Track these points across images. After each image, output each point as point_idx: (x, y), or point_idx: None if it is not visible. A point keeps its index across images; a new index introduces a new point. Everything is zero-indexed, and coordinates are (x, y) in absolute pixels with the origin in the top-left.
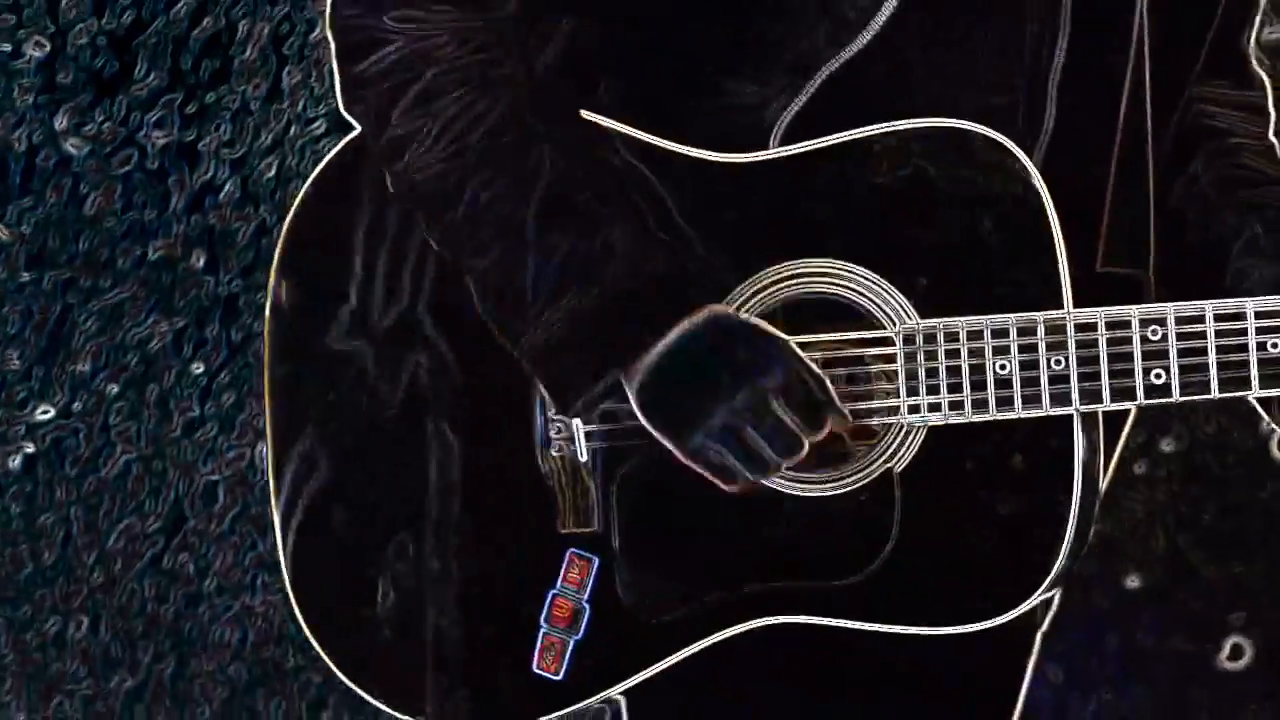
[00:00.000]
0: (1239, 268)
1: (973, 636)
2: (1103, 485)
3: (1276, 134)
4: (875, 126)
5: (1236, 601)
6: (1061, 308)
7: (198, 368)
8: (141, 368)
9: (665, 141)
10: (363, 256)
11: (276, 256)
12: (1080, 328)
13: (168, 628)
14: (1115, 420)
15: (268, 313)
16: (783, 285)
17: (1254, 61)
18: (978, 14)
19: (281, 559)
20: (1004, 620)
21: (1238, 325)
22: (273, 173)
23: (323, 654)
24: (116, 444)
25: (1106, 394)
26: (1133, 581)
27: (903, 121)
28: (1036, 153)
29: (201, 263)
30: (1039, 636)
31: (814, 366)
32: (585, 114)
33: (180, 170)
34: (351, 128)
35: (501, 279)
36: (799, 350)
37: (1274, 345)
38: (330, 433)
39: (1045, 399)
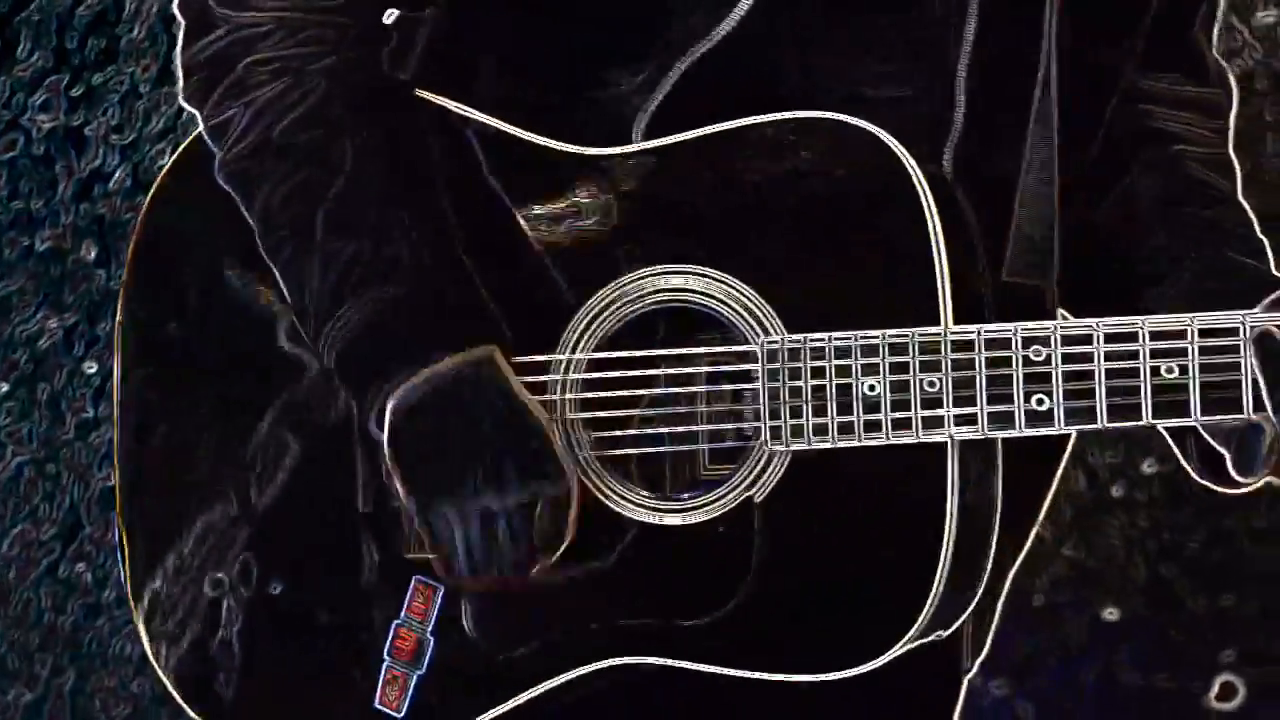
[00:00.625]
0: (1159, 291)
1: (888, 681)
2: (1036, 515)
3: (1236, 147)
4: (747, 119)
5: (1227, 636)
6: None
7: (90, 366)
8: (31, 366)
9: (520, 131)
10: (219, 251)
11: (130, 252)
12: (957, 346)
13: (66, 639)
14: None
15: (119, 313)
16: (645, 294)
17: (1214, 55)
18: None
19: (125, 575)
20: (867, 669)
21: (1130, 347)
22: (165, 160)
23: (164, 678)
24: (7, 445)
25: (983, 420)
26: (1111, 614)
27: (781, 114)
28: (946, 152)
29: (92, 255)
30: (965, 680)
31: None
32: (448, 103)
33: (67, 156)
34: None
35: (293, 281)
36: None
37: (1169, 370)
38: (179, 444)
39: (916, 424)
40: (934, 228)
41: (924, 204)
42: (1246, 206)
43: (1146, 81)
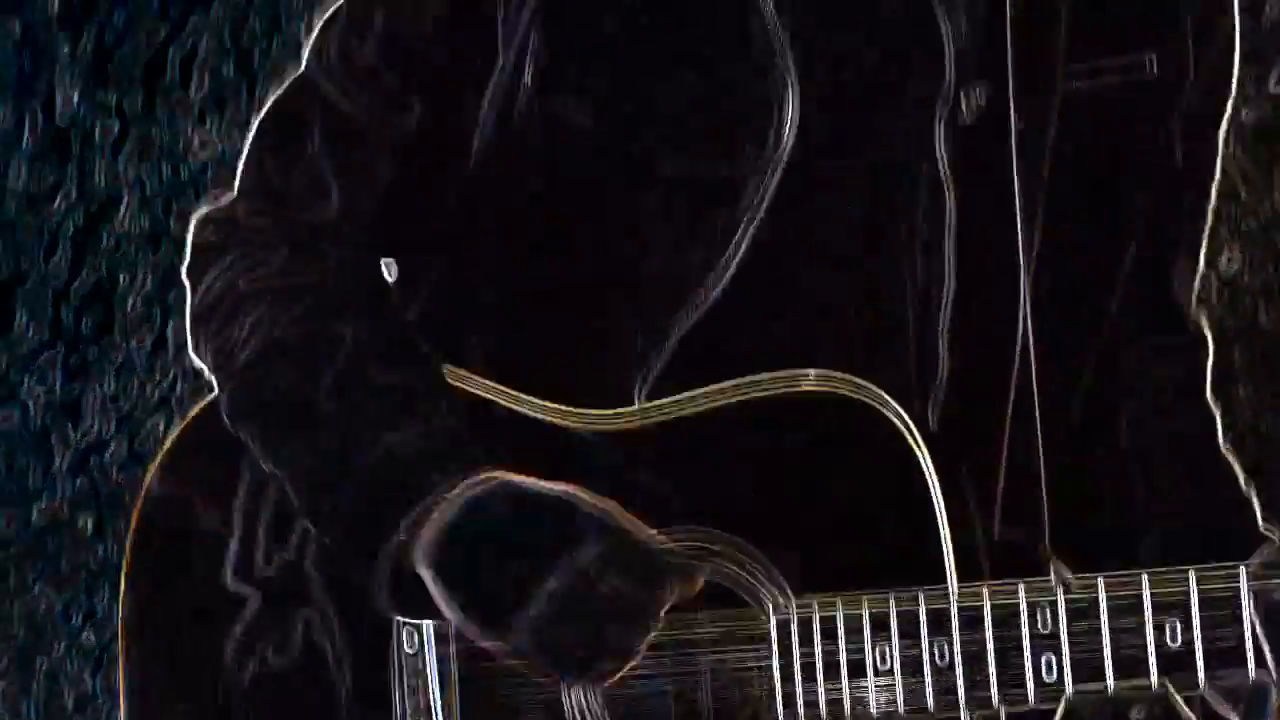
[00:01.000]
0: (1150, 541)
1: None
2: None
3: (1214, 392)
4: (742, 380)
5: None
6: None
7: (88, 638)
8: (31, 638)
9: (528, 398)
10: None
11: (131, 533)
12: (964, 609)
13: None
14: None
15: (123, 582)
16: None
17: (1187, 306)
18: (849, 260)
19: None
20: None
21: (1131, 597)
22: (160, 429)
23: None
24: (4, 718)
25: (994, 684)
26: None
27: (777, 373)
28: (932, 408)
29: (89, 527)
30: None
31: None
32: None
33: (63, 428)
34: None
35: (299, 470)
36: (615, 516)
37: (1173, 633)
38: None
39: (929, 697)
40: (934, 490)
41: (925, 465)
42: (1231, 457)
43: (1129, 339)
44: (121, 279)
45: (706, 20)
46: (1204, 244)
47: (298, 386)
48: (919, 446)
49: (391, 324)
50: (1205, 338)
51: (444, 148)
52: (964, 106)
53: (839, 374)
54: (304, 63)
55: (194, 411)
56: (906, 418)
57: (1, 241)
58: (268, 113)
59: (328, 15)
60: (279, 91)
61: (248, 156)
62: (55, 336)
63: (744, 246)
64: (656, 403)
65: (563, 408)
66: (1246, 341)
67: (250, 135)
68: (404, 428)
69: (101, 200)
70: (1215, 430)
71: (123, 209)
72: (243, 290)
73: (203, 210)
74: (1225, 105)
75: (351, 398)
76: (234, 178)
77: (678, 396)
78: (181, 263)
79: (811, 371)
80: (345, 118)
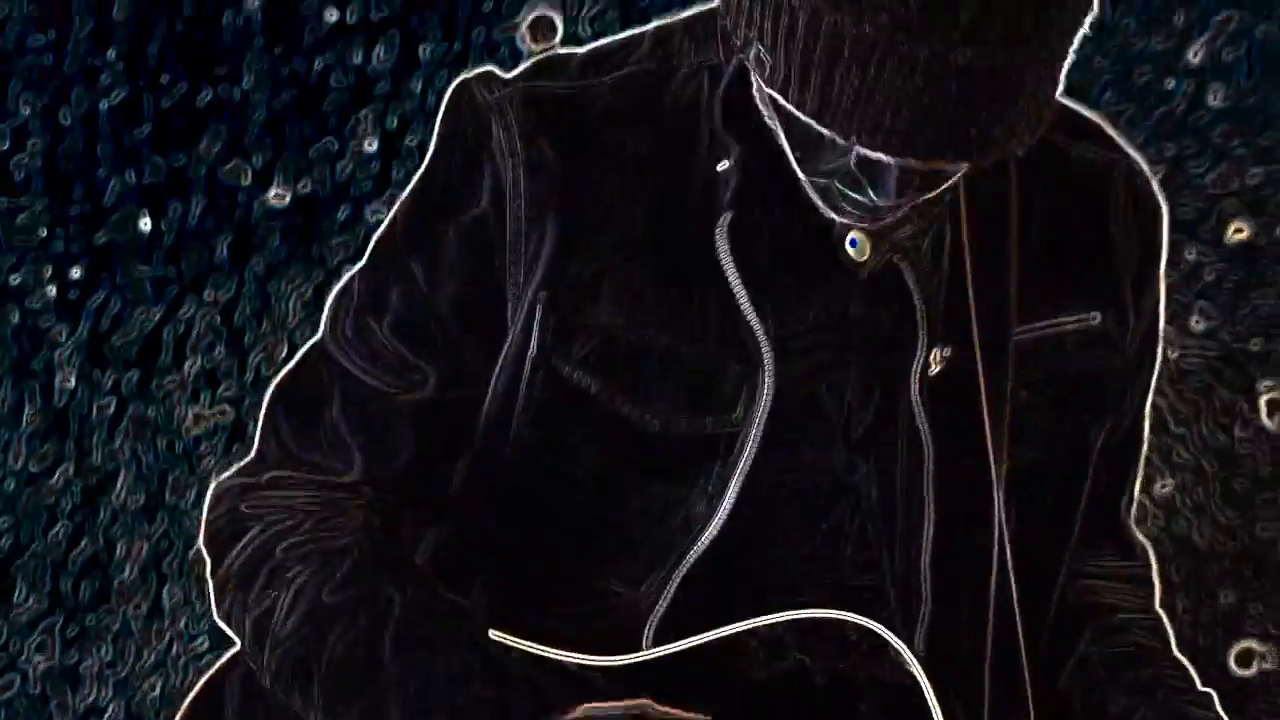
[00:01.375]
0: None
1: None
2: None
3: (1162, 604)
4: (748, 623)
5: None
6: None
7: None
8: None
9: (537, 647)
10: None
11: None
12: None
13: None
14: None
15: None
16: None
17: (1133, 529)
18: (835, 494)
19: None
20: None
21: None
22: (156, 692)
23: None
24: None
25: None
26: None
27: (776, 615)
28: (918, 635)
29: None
30: None
31: None
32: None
33: (62, 694)
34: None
35: None
36: None
37: None
38: None
39: None
40: (934, 708)
41: (923, 688)
42: (1184, 660)
43: (1086, 564)
44: (118, 549)
45: (690, 296)
46: (1140, 472)
47: (357, 649)
48: (922, 677)
49: (428, 583)
50: (1150, 560)
51: (458, 414)
52: (933, 361)
53: (837, 611)
54: (320, 333)
55: (205, 679)
56: (906, 649)
57: (1, 517)
58: (283, 383)
59: (341, 287)
60: (293, 364)
61: (264, 427)
62: (54, 606)
63: (733, 496)
64: (665, 647)
65: (580, 656)
66: (1180, 560)
67: (266, 405)
68: (473, 683)
69: (99, 476)
70: (1168, 638)
71: (119, 484)
72: (279, 557)
73: (220, 482)
74: (1157, 347)
75: (416, 656)
76: (228, 454)
77: (685, 641)
78: (181, 532)
79: (819, 613)
80: (362, 386)
